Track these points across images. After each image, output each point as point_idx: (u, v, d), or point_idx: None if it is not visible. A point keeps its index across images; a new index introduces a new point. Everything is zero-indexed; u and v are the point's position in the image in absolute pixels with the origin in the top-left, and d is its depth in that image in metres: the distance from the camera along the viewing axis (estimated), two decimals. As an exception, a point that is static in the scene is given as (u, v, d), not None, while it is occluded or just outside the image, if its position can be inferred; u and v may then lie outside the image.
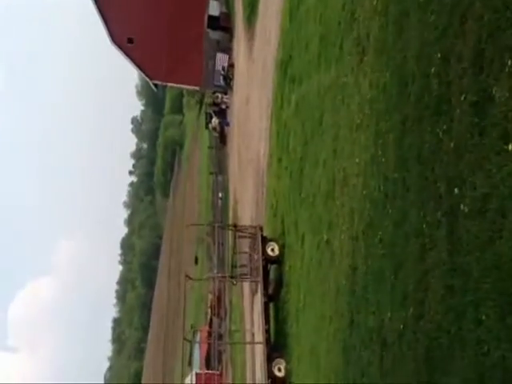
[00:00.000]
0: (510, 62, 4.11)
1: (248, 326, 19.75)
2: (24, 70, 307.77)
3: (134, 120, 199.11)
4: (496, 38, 4.29)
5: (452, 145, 4.89)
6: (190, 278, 18.56)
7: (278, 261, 15.19)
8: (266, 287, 15.77)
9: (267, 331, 14.45)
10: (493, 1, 4.34)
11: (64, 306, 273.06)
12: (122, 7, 39.75)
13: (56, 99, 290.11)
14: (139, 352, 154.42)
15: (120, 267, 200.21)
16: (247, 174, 23.85)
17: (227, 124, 37.16)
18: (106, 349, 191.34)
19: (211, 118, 44.86)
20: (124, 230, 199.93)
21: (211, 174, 52.04)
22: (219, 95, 41.61)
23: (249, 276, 16.80)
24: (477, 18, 4.54)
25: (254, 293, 17.94)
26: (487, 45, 4.40)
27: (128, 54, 41.72)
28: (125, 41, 40.99)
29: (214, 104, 44.26)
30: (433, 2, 5.44)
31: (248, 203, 23.10)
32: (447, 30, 5.08)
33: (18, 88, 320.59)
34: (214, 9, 39.50)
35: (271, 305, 15.77)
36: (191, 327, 46.58)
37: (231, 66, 34.11)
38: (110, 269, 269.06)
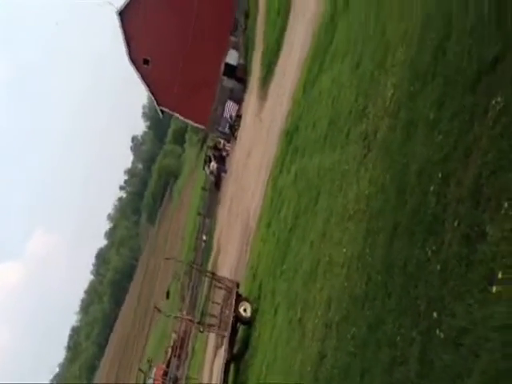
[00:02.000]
0: (506, 205, 4.16)
1: (206, 378, 19.37)
2: (40, 70, 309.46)
3: (134, 138, 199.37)
4: (497, 177, 4.37)
5: (438, 267, 4.91)
6: (159, 311, 18.35)
7: (249, 323, 15.04)
8: (231, 345, 15.56)
9: (224, 391, 14.24)
10: (500, 141, 4.43)
11: (26, 297, 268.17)
12: (145, 28, 40.30)
13: (68, 101, 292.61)
14: (91, 368, 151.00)
15: (91, 277, 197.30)
16: (235, 226, 23.83)
17: (225, 171, 37.35)
18: (59, 354, 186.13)
19: (210, 161, 45.01)
20: (103, 242, 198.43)
21: (199, 214, 51.90)
22: (222, 141, 41.99)
23: (217, 328, 16.59)
24: (482, 153, 4.63)
25: (218, 346, 17.68)
26: (487, 182, 4.47)
27: (141, 73, 42.17)
28: (141, 60, 41.52)
29: (216, 148, 44.54)
30: (442, 122, 5.56)
31: (230, 255, 22.99)
32: (451, 155, 5.17)
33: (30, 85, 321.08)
34: (233, 58, 40.17)
35: (233, 365, 15.53)
36: (148, 360, 45.47)
37: (239, 116, 34.51)
38: (81, 275, 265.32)
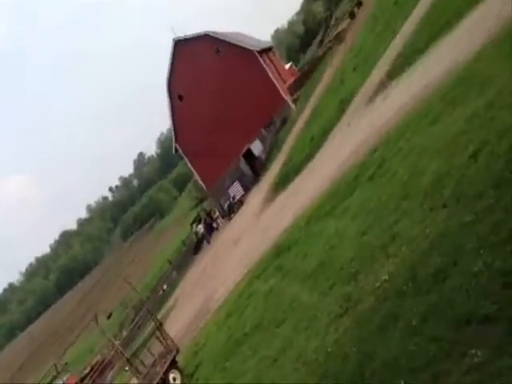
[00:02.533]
0: None
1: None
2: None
3: (140, 155, 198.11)
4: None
5: None
6: (96, 323, 17.05)
7: None
8: None
9: None
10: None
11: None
12: (192, 68, 40.21)
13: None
14: (10, 333, 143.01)
15: (48, 249, 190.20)
16: (197, 296, 23.35)
17: (208, 241, 37.13)
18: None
19: (200, 222, 44.64)
20: (73, 225, 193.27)
21: (170, 263, 51.21)
22: (217, 213, 41.79)
23: (141, 377, 15.71)
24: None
25: None
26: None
27: (172, 105, 41.92)
28: (177, 93, 41.61)
29: (209, 216, 44.36)
30: (421, 334, 5.61)
31: (182, 319, 22.47)
32: (420, 369, 5.20)
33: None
34: (256, 148, 40.55)
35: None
36: (66, 363, 43.01)
37: (241, 202, 34.73)
38: (37, 243, 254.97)
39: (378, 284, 7.33)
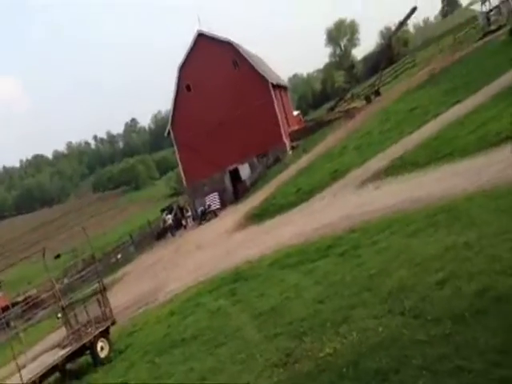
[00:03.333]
0: None
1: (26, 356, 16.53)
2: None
3: (133, 121, 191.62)
4: None
5: None
6: (43, 256, 14.97)
7: (95, 362, 13.56)
8: (68, 359, 13.92)
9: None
10: None
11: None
12: (205, 61, 38.28)
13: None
14: None
15: (17, 164, 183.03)
16: (147, 280, 22.68)
17: (173, 234, 36.35)
18: None
19: (170, 213, 43.15)
20: (48, 151, 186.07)
21: (130, 236, 49.90)
22: (189, 212, 40.79)
23: (70, 331, 14.71)
24: None
25: (59, 345, 15.68)
26: None
27: (178, 91, 39.40)
28: (185, 83, 39.19)
29: (181, 210, 43.27)
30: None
31: (123, 295, 21.76)
32: None
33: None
34: (244, 171, 38.78)
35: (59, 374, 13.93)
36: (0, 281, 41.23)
37: (215, 213, 34.15)
38: (8, 153, 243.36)
39: (321, 354, 7.35)
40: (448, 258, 7.78)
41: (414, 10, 43.86)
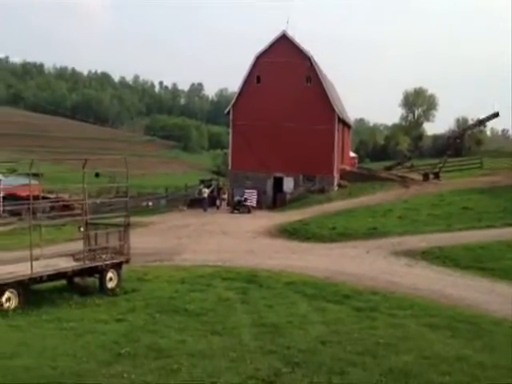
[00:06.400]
0: None
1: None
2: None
3: (200, 85, 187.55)
4: None
5: None
6: (83, 165, 13.58)
7: (102, 290, 13.29)
8: (78, 273, 13.46)
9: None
10: None
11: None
12: (282, 64, 36.30)
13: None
14: None
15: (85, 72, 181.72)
16: (168, 239, 21.84)
17: (205, 209, 35.68)
18: None
19: (208, 187, 42.33)
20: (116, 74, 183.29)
21: (166, 190, 49.70)
22: (226, 194, 40.12)
23: (85, 251, 13.43)
24: None
25: (74, 255, 15.06)
26: None
27: (248, 77, 37.61)
28: (257, 73, 37.55)
29: (218, 190, 42.69)
30: None
31: (143, 242, 21.20)
32: None
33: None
34: (287, 183, 37.29)
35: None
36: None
37: (248, 208, 33.93)
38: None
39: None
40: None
41: (496, 114, 42.58)
